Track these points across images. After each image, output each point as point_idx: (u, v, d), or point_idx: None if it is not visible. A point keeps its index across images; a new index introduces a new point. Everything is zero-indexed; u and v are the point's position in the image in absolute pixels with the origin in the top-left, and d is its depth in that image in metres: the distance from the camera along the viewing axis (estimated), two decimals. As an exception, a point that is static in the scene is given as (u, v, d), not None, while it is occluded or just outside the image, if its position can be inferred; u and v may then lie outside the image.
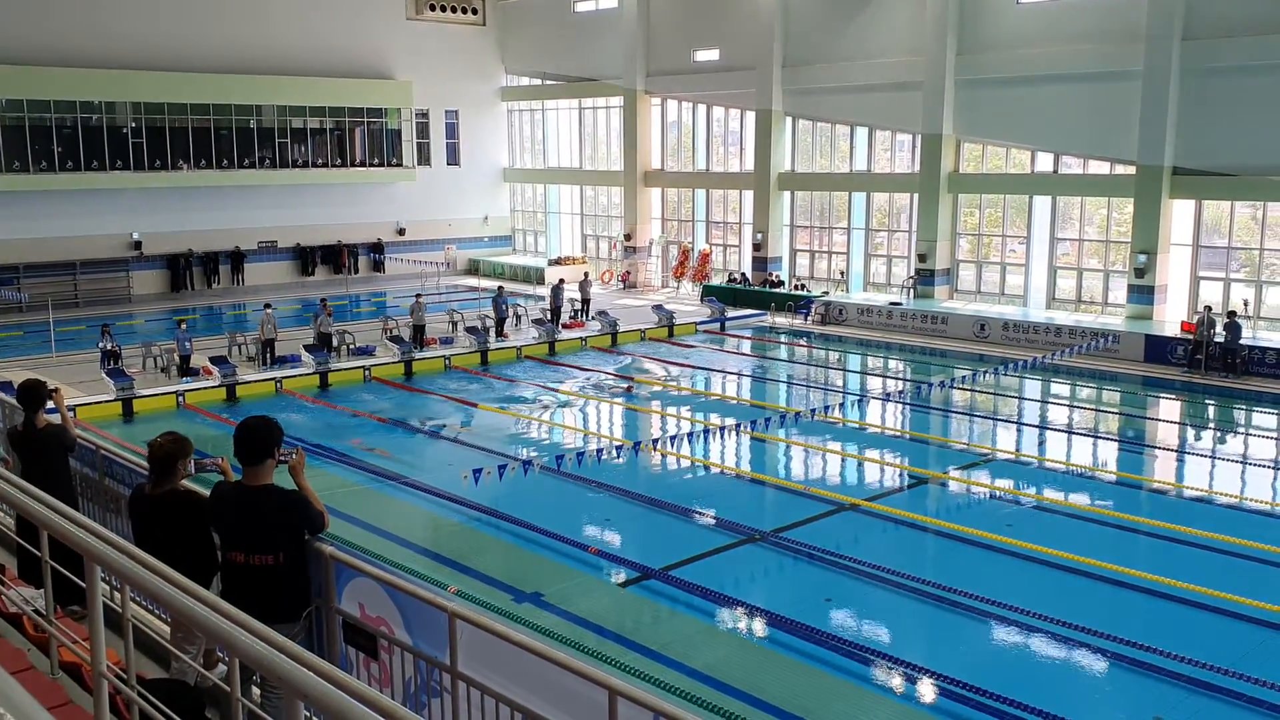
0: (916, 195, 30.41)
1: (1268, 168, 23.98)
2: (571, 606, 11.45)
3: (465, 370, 24.41)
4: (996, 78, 28.27)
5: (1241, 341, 22.77)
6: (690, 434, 17.46)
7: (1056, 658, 10.51)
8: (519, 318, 29.14)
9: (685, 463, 17.66)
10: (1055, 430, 20.42)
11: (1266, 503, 15.59)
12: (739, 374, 25.40)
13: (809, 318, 30.15)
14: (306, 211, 37.72)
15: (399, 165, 39.24)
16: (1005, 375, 21.78)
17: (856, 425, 19.75)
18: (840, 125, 32.67)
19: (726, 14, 34.46)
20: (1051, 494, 16.02)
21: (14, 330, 29.11)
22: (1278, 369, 22.42)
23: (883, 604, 11.86)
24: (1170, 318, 25.71)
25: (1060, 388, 23.59)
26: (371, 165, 38.63)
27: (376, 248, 39.59)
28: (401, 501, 15.49)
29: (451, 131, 41.40)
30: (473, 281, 38.18)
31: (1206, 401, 22.18)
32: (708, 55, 35.24)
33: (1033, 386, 23.52)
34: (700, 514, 14.77)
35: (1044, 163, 28.38)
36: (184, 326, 23.58)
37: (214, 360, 22.38)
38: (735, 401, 22.70)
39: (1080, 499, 15.67)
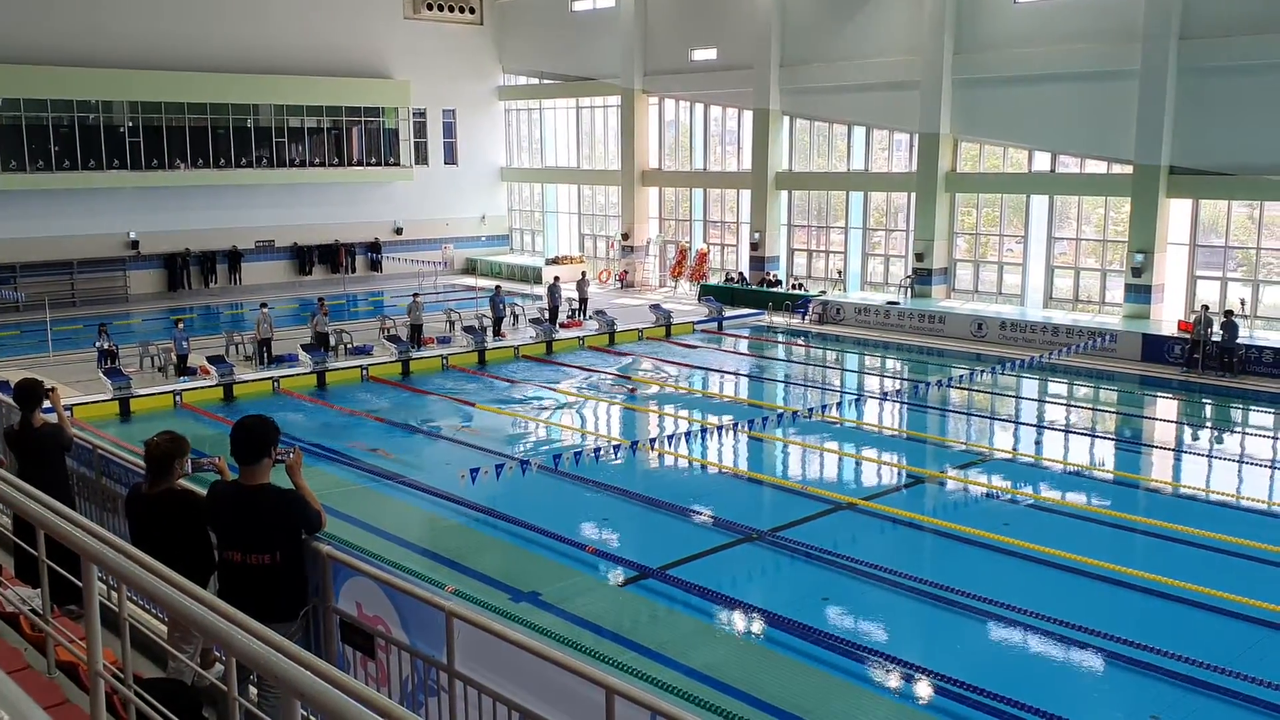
0: (914, 194, 30.44)
1: (1264, 167, 24.01)
2: (569, 606, 11.45)
3: (463, 370, 24.41)
4: (994, 77, 28.29)
5: (1238, 341, 22.80)
6: (688, 433, 17.46)
7: (1054, 656, 10.51)
8: (516, 317, 29.14)
9: (683, 462, 17.66)
10: (1052, 429, 20.44)
11: (1263, 501, 15.60)
12: (736, 373, 25.41)
13: (806, 317, 30.16)
14: (304, 211, 37.71)
15: (396, 165, 39.23)
16: (1002, 374, 21.79)
17: (854, 425, 19.75)
18: (838, 125, 32.68)
19: (724, 13, 34.47)
20: (1049, 493, 16.04)
21: (11, 330, 29.08)
22: (1274, 368, 22.45)
23: (880, 603, 11.86)
24: (1167, 317, 25.73)
25: (1057, 387, 23.61)
26: (369, 165, 38.62)
27: (374, 247, 39.58)
28: (399, 501, 15.48)
29: (449, 131, 41.40)
30: (470, 281, 38.20)
31: (1203, 401, 22.20)
32: (705, 55, 35.25)
33: (1030, 386, 23.54)
34: (698, 513, 14.77)
35: (1041, 162, 28.40)
36: (181, 326, 23.56)
37: (211, 360, 22.37)
38: (733, 401, 22.71)
39: (1077, 498, 15.68)
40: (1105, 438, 19.82)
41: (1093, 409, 22.42)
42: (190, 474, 6.13)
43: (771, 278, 33.31)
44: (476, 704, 4.85)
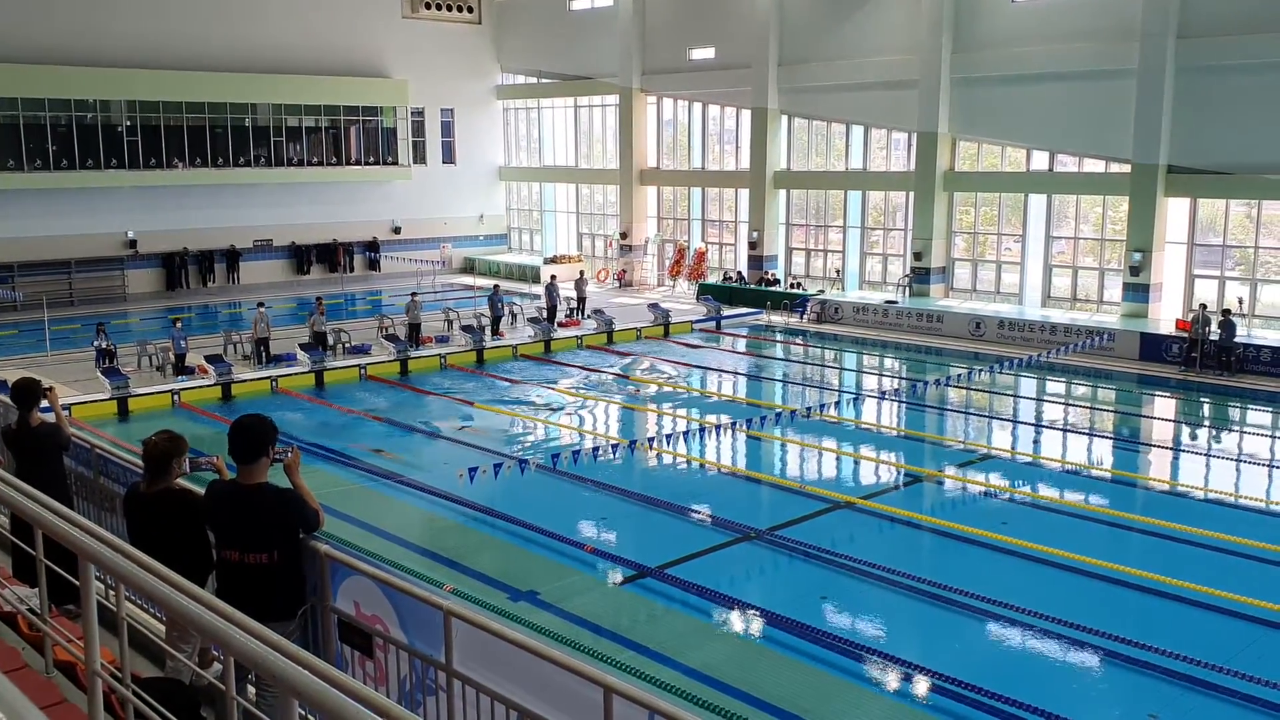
0: (912, 194, 30.44)
1: (1262, 166, 24.02)
2: (567, 605, 11.45)
3: (461, 369, 24.40)
4: (992, 76, 28.29)
5: (1236, 339, 22.82)
6: (686, 432, 17.46)
7: (1052, 655, 10.52)
8: (515, 316, 29.14)
9: (681, 461, 17.67)
10: (1051, 428, 20.45)
11: (1261, 500, 15.62)
12: (735, 372, 25.40)
13: (805, 316, 30.16)
14: (302, 210, 37.70)
15: (394, 164, 39.22)
16: (1001, 373, 21.80)
17: (852, 423, 19.76)
18: (836, 123, 32.68)
19: (722, 12, 34.46)
20: (1047, 492, 16.05)
21: (9, 329, 29.05)
22: (1272, 367, 22.47)
23: (878, 602, 11.87)
24: (1165, 316, 25.74)
25: (1056, 386, 23.63)
26: (367, 164, 38.61)
27: (372, 246, 39.58)
28: (397, 500, 15.48)
29: (447, 130, 41.38)
30: (468, 280, 38.19)
31: (1201, 399, 22.22)
32: (703, 54, 35.24)
33: (1028, 385, 23.55)
34: (696, 512, 14.77)
35: (1039, 161, 28.41)
36: (179, 325, 23.55)
37: (209, 359, 22.35)
38: (731, 400, 22.71)
39: (1076, 497, 15.69)
40: (1103, 436, 19.84)
41: (1090, 408, 22.43)
42: (188, 473, 6.13)
43: (770, 277, 33.31)
44: (475, 703, 4.85)
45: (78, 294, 33.48)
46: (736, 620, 11.43)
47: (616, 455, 16.40)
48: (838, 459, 18.07)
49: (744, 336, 29.05)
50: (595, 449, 15.60)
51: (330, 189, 38.08)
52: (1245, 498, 15.91)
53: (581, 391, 22.47)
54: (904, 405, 21.46)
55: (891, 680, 10.05)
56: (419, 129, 40.22)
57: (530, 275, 37.64)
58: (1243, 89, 24.21)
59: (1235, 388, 22.05)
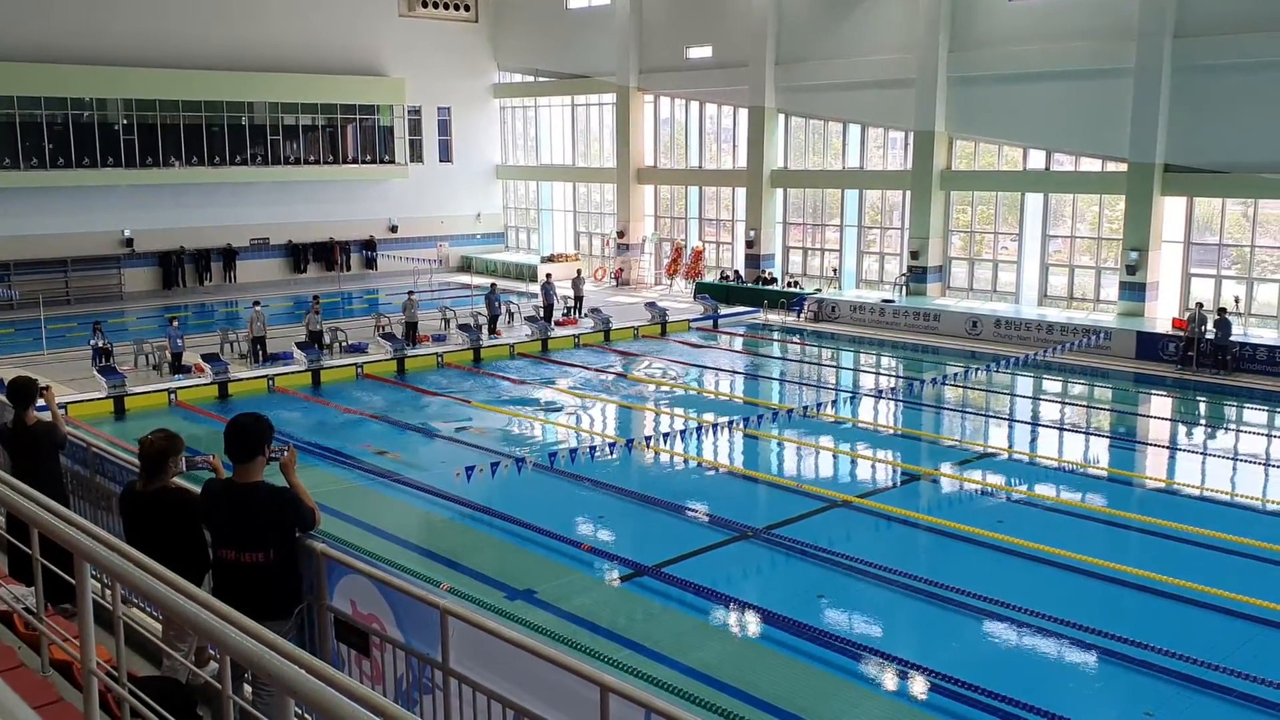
0: (909, 192, 30.46)
1: (1259, 165, 24.04)
2: (565, 603, 11.46)
3: (458, 368, 24.39)
4: (989, 75, 28.30)
5: (1232, 338, 22.85)
6: (683, 431, 17.46)
7: (1049, 654, 10.53)
8: (512, 315, 29.13)
9: (678, 460, 17.67)
10: (1047, 427, 20.48)
11: (1258, 499, 15.65)
12: (732, 371, 25.40)
13: (802, 315, 30.17)
14: (298, 209, 37.67)
15: (391, 162, 39.20)
16: (997, 372, 21.81)
17: (849, 422, 19.77)
18: (833, 122, 32.69)
19: (719, 11, 34.46)
20: (1044, 490, 16.07)
21: (5, 328, 28.99)
22: (1268, 365, 22.50)
23: (875, 600, 11.88)
24: (1162, 314, 25.77)
25: (1052, 384, 23.65)
26: (364, 162, 38.58)
27: (369, 245, 39.55)
28: (394, 499, 15.48)
29: (444, 128, 41.36)
30: (465, 279, 38.15)
31: (1198, 398, 22.25)
32: (701, 52, 35.24)
33: (1025, 383, 23.56)
34: (693, 511, 14.77)
35: (1036, 160, 28.43)
36: (176, 324, 23.50)
37: (206, 358, 22.34)
38: (728, 399, 22.71)
39: (1072, 495, 15.71)
40: (1100, 435, 19.86)
41: (1087, 406, 22.46)
42: (185, 472, 6.12)
43: (767, 275, 33.32)
44: (471, 702, 4.85)
45: (74, 292, 33.44)
46: (733, 619, 11.43)
47: (614, 454, 16.39)
48: (835, 458, 18.08)
49: (741, 335, 29.06)
50: (592, 448, 15.60)
51: (327, 188, 38.05)
52: (1241, 496, 15.94)
53: (579, 390, 22.47)
54: (901, 404, 21.47)
55: (888, 679, 10.06)
56: (416, 127, 40.19)
57: (527, 274, 37.63)
58: (1239, 88, 24.24)
59: (1231, 386, 22.08)
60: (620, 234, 38.13)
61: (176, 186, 34.71)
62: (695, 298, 32.99)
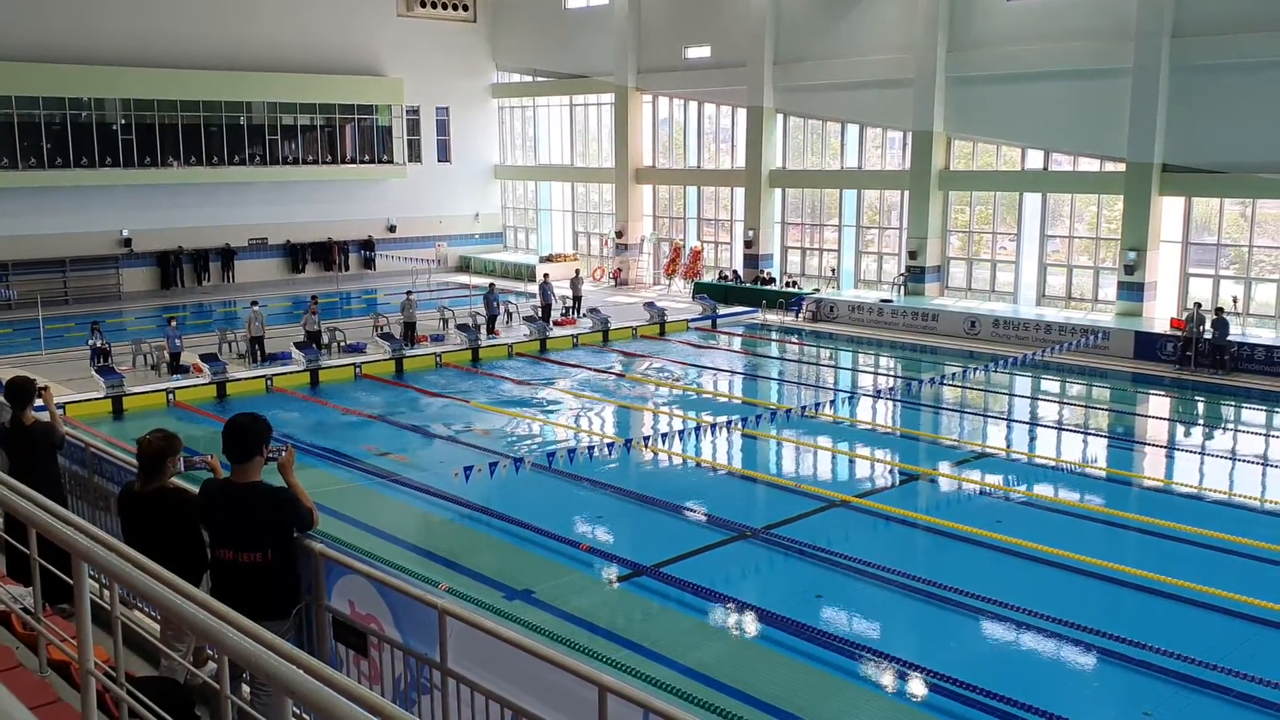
0: (907, 192, 30.46)
1: (1257, 165, 24.05)
2: (563, 603, 11.45)
3: (456, 367, 24.39)
4: (987, 75, 28.32)
5: (1229, 338, 22.87)
6: (681, 431, 17.46)
7: (1047, 653, 10.54)
8: (510, 315, 29.12)
9: (677, 460, 17.66)
10: (1045, 427, 20.49)
11: (1255, 498, 15.66)
12: (730, 371, 25.41)
13: (800, 315, 30.18)
14: (297, 208, 37.65)
15: (390, 162, 39.19)
16: (996, 372, 21.83)
17: (847, 422, 19.77)
18: (831, 122, 32.70)
19: (718, 11, 34.46)
20: (1042, 490, 16.08)
21: (3, 328, 28.97)
22: (1266, 365, 22.51)
23: (873, 600, 11.88)
24: (1160, 314, 25.79)
25: (1050, 384, 23.66)
26: (362, 162, 38.57)
27: (367, 245, 39.54)
28: (392, 499, 15.47)
29: (442, 128, 41.35)
30: (464, 279, 38.13)
31: (1196, 398, 22.27)
32: (699, 52, 35.24)
33: (1023, 383, 23.57)
34: (691, 511, 14.77)
35: (1034, 160, 28.45)
36: (174, 324, 23.50)
37: (204, 358, 22.33)
38: (726, 398, 22.71)
39: (1070, 495, 15.72)
40: (1098, 435, 19.87)
41: (1085, 406, 22.47)
42: (183, 472, 6.12)
43: (765, 275, 33.32)
44: (469, 702, 4.85)
45: (72, 292, 33.41)
46: (732, 619, 11.43)
47: (612, 454, 16.39)
48: (833, 458, 18.08)
49: (739, 335, 29.06)
50: (591, 448, 15.60)
51: (325, 187, 38.03)
52: (1239, 496, 15.94)
53: (577, 390, 22.46)
54: (899, 404, 21.47)
55: (887, 679, 10.06)
56: (414, 127, 40.18)
57: (526, 274, 37.64)
58: (1237, 88, 24.25)
59: (1229, 386, 22.09)
60: (619, 234, 38.13)
61: (174, 186, 34.69)
62: (694, 298, 32.98)
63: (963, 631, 11.15)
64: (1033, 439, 19.57)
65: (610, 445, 16.58)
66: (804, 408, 18.84)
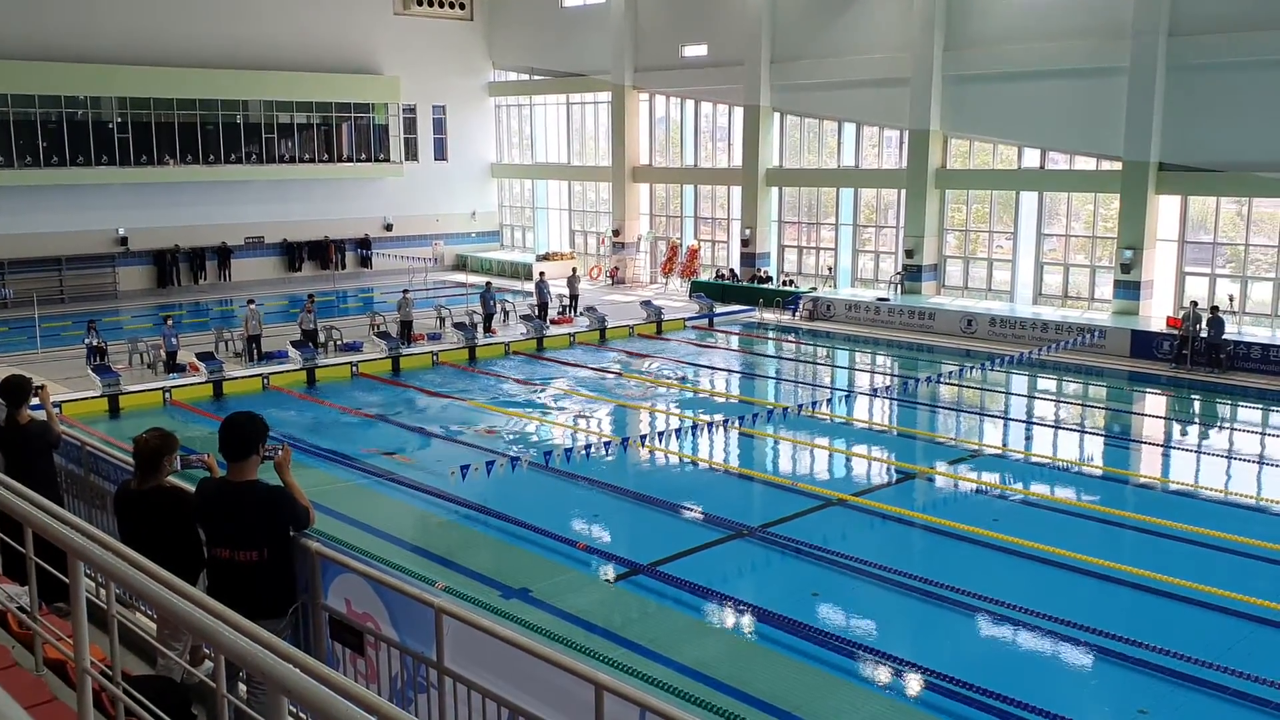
0: (904, 191, 30.47)
1: (1253, 163, 24.09)
2: (560, 602, 11.45)
3: (453, 366, 24.38)
4: (983, 74, 28.34)
5: (1226, 336, 22.90)
6: (678, 429, 17.46)
7: (1043, 652, 10.55)
8: (507, 314, 29.11)
9: (673, 458, 17.66)
10: (1042, 425, 20.51)
11: (1251, 497, 15.69)
12: (727, 370, 25.41)
13: (797, 313, 30.20)
14: (293, 207, 37.63)
15: (386, 161, 39.17)
16: (992, 370, 21.85)
17: (844, 421, 19.79)
18: (828, 121, 32.72)
19: (715, 9, 34.46)
20: (1038, 489, 16.10)
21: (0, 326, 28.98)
22: (1262, 364, 22.55)
23: (870, 598, 11.89)
24: (1156, 313, 25.82)
25: (1047, 383, 23.69)
26: (359, 161, 38.54)
27: (364, 243, 39.52)
28: (389, 498, 15.46)
29: (439, 127, 41.33)
30: (460, 277, 38.10)
31: (1192, 396, 22.30)
32: (696, 51, 35.24)
33: (1020, 382, 23.60)
34: (688, 509, 14.78)
35: (1031, 158, 28.47)
36: (170, 322, 23.48)
37: (200, 356, 22.29)
38: (723, 397, 22.72)
39: (1067, 494, 15.75)
40: (1094, 433, 19.89)
41: (1082, 405, 22.49)
42: (179, 471, 6.11)
43: (762, 274, 33.33)
44: (466, 701, 4.85)
45: (68, 291, 33.36)
46: (729, 617, 11.44)
47: (609, 452, 16.39)
48: (829, 456, 18.09)
49: (736, 334, 29.06)
50: (587, 446, 15.60)
51: (322, 186, 38.00)
52: (1235, 494, 15.96)
53: (574, 389, 22.46)
54: (896, 402, 21.49)
55: (883, 676, 10.06)
56: (411, 126, 40.17)
57: (523, 272, 37.62)
58: (1233, 86, 24.28)
59: (1225, 384, 22.12)
60: (615, 232, 38.12)
61: (171, 185, 34.65)
62: (691, 296, 32.98)
63: (959, 630, 11.17)
64: (1029, 438, 19.59)
65: (607, 444, 16.59)
66: (801, 406, 18.86)
